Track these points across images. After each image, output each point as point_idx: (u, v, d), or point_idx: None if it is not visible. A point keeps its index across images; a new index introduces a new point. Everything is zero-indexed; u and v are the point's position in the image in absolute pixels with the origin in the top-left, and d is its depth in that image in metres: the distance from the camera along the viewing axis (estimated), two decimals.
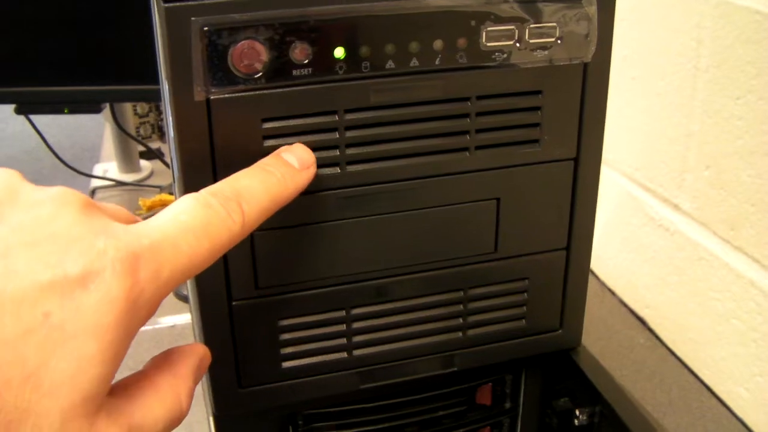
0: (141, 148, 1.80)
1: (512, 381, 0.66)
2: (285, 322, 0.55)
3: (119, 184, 1.74)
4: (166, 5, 0.45)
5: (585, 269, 0.61)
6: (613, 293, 1.31)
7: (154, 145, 1.83)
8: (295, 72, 0.48)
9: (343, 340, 0.57)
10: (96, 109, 1.54)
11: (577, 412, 0.62)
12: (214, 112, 0.48)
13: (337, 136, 0.51)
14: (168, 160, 1.72)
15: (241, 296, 0.53)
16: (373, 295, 0.56)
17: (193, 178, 0.49)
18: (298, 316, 0.55)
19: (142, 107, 1.86)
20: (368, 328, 0.57)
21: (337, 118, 0.50)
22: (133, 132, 1.76)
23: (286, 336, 0.56)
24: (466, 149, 0.54)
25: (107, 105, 1.61)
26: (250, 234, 0.49)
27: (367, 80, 0.50)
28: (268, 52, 0.47)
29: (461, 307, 0.59)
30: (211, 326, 0.54)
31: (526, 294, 0.60)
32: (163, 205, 1.60)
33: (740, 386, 1.05)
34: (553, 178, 0.57)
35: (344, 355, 0.57)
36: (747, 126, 0.98)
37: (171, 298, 1.42)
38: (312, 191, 0.51)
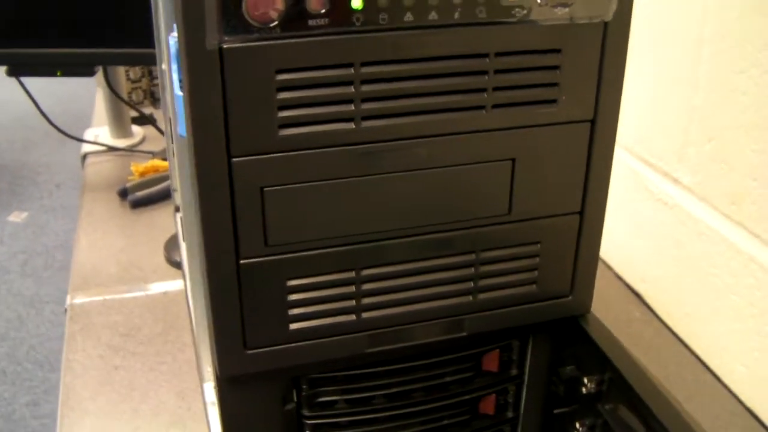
0: (133, 114, 1.79)
1: (519, 347, 0.65)
2: (293, 283, 0.54)
3: (111, 149, 1.73)
4: None
5: (598, 235, 0.60)
6: (609, 267, 1.31)
7: (146, 111, 1.82)
8: (311, 22, 0.47)
9: (352, 302, 0.56)
10: (89, 73, 1.53)
11: (585, 380, 0.61)
12: (226, 62, 0.46)
13: (353, 90, 0.49)
14: (161, 125, 1.70)
15: (249, 254, 0.52)
16: (383, 256, 0.55)
17: (204, 132, 0.48)
18: (306, 277, 0.54)
19: (134, 72, 1.84)
20: (377, 290, 0.56)
21: (353, 71, 0.49)
22: (125, 98, 1.74)
23: (294, 297, 0.54)
24: (483, 107, 0.52)
25: (100, 69, 1.60)
26: (260, 189, 0.48)
27: (384, 33, 0.48)
28: (284, 0, 0.46)
29: (472, 270, 0.57)
30: (218, 286, 0.52)
31: (537, 258, 0.59)
32: (156, 171, 1.59)
33: (737, 362, 1.04)
34: (570, 139, 0.56)
35: (352, 317, 0.56)
36: (751, 100, 0.97)
37: (163, 264, 1.41)
38: (325, 146, 0.50)
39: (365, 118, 0.50)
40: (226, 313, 0.53)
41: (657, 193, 1.18)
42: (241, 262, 0.52)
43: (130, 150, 1.72)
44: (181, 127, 0.61)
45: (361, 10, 0.47)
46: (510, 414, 0.67)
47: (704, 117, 1.06)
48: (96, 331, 1.26)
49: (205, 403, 1.08)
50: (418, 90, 0.50)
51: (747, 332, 1.02)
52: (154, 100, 1.92)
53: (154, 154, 1.67)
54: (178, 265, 1.39)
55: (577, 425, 0.62)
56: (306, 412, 0.61)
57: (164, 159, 1.62)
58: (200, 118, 0.47)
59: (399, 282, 0.56)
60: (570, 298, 0.61)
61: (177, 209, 1.42)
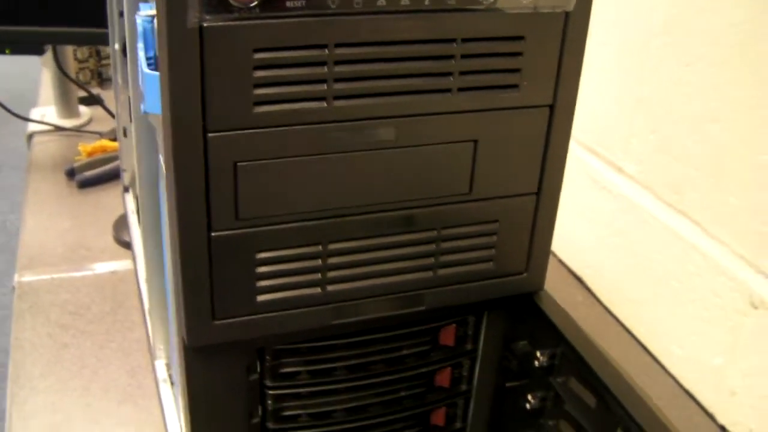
0: (80, 94, 1.78)
1: (474, 323, 0.67)
2: (262, 255, 0.56)
3: (58, 129, 1.71)
4: None
5: (553, 215, 0.63)
6: (553, 253, 1.34)
7: (94, 91, 1.81)
8: (288, 3, 0.48)
9: (318, 276, 0.58)
10: (39, 51, 1.52)
11: (538, 354, 0.64)
12: (206, 40, 0.48)
13: (326, 70, 0.51)
14: (110, 106, 1.70)
15: (221, 227, 0.54)
16: (349, 231, 0.57)
17: (181, 108, 0.49)
18: (275, 250, 0.56)
19: (81, 52, 1.83)
20: (343, 264, 0.58)
21: (327, 52, 0.51)
22: (72, 78, 1.73)
23: (262, 269, 0.56)
24: (449, 90, 0.55)
25: (49, 48, 1.59)
26: (233, 164, 0.50)
27: (358, 16, 0.50)
28: None
29: (433, 246, 0.60)
30: (189, 257, 0.54)
31: (495, 236, 0.61)
32: (104, 151, 1.58)
33: (674, 344, 1.08)
34: (530, 123, 0.58)
35: (318, 290, 0.58)
36: (696, 92, 1.01)
37: (111, 244, 1.41)
38: (298, 123, 0.52)
39: (337, 97, 0.52)
40: (196, 284, 0.55)
41: (602, 181, 1.21)
42: (213, 234, 0.54)
43: (78, 130, 1.72)
44: (149, 104, 0.62)
45: None
46: (464, 387, 0.70)
47: (649, 108, 1.10)
48: (45, 309, 1.26)
49: (156, 380, 1.09)
50: (388, 72, 0.53)
51: (686, 316, 1.06)
52: (102, 80, 1.91)
53: (102, 135, 1.66)
54: (126, 245, 1.39)
55: (529, 397, 0.65)
56: (269, 383, 0.63)
57: (112, 140, 1.62)
58: (178, 95, 0.49)
59: (363, 256, 0.58)
60: (525, 275, 0.64)
61: (126, 189, 1.42)
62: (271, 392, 0.64)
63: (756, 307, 0.95)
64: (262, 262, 0.56)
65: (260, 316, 0.58)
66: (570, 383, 0.62)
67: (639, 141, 1.12)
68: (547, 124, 0.59)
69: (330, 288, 0.58)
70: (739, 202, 0.96)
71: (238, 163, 0.52)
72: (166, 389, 1.05)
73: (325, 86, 0.52)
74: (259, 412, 0.65)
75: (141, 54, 0.64)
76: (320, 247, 0.57)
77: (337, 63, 0.51)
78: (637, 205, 1.14)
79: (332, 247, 0.57)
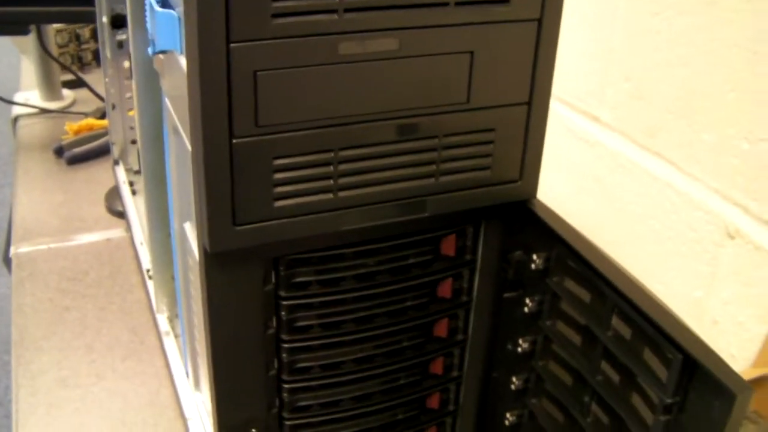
0: (63, 78, 1.80)
1: (473, 233, 0.72)
2: (279, 162, 0.60)
3: (43, 111, 1.74)
4: None
5: (543, 124, 0.67)
6: None
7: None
8: None
9: (330, 182, 0.62)
10: (24, 31, 1.55)
11: (534, 257, 0.68)
12: None
13: None
14: (95, 88, 1.73)
15: (241, 134, 0.58)
16: (359, 139, 0.62)
17: (207, 19, 0.53)
18: (291, 156, 0.60)
19: (61, 37, 1.86)
20: (352, 171, 0.63)
21: None
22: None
23: (279, 176, 0.61)
24: (446, 4, 0.60)
25: (32, 30, 1.61)
26: (253, 73, 0.55)
27: None
28: None
29: (435, 153, 0.65)
30: (212, 165, 0.58)
31: (492, 145, 0.66)
32: (90, 129, 1.62)
33: (656, 281, 1.13)
34: (520, 36, 0.63)
35: (330, 196, 0.63)
36: (665, 39, 1.06)
37: (104, 214, 1.44)
38: (312, 35, 0.56)
39: (347, 10, 0.57)
40: (218, 190, 0.59)
41: (579, 132, 1.27)
42: (234, 141, 0.58)
43: (63, 111, 1.75)
44: (161, 42, 0.67)
45: None
46: (465, 298, 0.74)
47: (622, 58, 1.15)
48: (43, 276, 1.29)
49: (159, 335, 1.13)
50: None
51: (665, 254, 1.11)
52: (82, 65, 1.94)
53: (87, 115, 1.69)
54: (119, 215, 1.42)
55: (527, 301, 0.70)
56: (283, 293, 0.67)
57: (99, 118, 1.65)
58: (204, 6, 0.53)
59: (371, 163, 0.63)
60: (519, 183, 0.69)
61: (116, 162, 1.46)
62: (284, 302, 0.68)
63: (732, 237, 1.01)
64: (279, 168, 0.60)
65: (277, 221, 0.62)
66: (565, 282, 0.66)
67: (613, 90, 1.18)
68: (535, 38, 0.64)
69: (341, 194, 0.63)
70: (711, 138, 1.02)
71: (258, 72, 0.56)
72: (169, 341, 1.09)
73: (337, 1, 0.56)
74: (274, 323, 0.69)
75: None
76: (331, 154, 0.61)
77: None
78: (613, 152, 1.19)
79: (342, 154, 0.62)
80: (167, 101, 0.77)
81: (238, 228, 0.61)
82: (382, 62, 0.60)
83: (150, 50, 0.72)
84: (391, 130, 0.62)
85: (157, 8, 0.65)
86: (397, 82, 0.61)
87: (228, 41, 0.55)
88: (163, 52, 0.69)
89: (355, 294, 0.69)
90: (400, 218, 0.66)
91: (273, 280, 0.67)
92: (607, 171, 1.21)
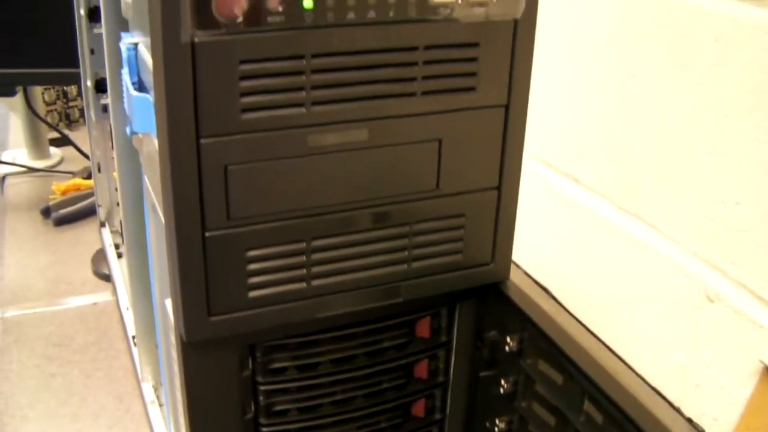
0: (50, 137, 1.81)
1: (447, 315, 0.73)
2: (252, 253, 0.61)
3: (30, 170, 1.75)
4: None
5: (513, 207, 0.68)
6: (517, 265, 1.39)
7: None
8: (269, 19, 0.54)
9: (303, 271, 0.63)
10: (10, 93, 1.56)
11: (508, 339, 0.69)
12: (197, 54, 0.53)
13: (304, 78, 0.57)
14: (81, 146, 1.73)
15: (214, 227, 0.59)
16: (330, 228, 0.62)
17: (176, 116, 0.54)
18: (264, 247, 0.61)
19: (49, 95, 1.87)
20: (325, 259, 0.63)
21: (304, 62, 0.56)
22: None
23: (253, 266, 0.61)
24: (413, 94, 0.60)
25: (20, 90, 1.63)
26: (224, 167, 0.55)
27: (331, 29, 0.56)
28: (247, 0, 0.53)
29: (406, 240, 0.65)
30: (185, 257, 0.59)
31: (462, 230, 0.67)
32: (77, 189, 1.62)
33: (637, 343, 1.13)
34: (488, 122, 0.64)
35: (304, 285, 0.63)
36: (641, 101, 1.07)
37: (91, 277, 1.45)
38: (281, 128, 0.57)
39: (315, 103, 0.58)
40: (192, 282, 0.60)
41: (560, 193, 1.27)
42: (207, 234, 0.59)
43: (50, 171, 1.75)
44: (137, 125, 0.67)
45: (312, 9, 0.55)
46: (441, 378, 0.75)
47: (599, 120, 1.16)
48: (30, 342, 1.29)
49: (144, 403, 1.13)
50: (359, 79, 0.58)
51: (646, 315, 1.11)
52: (70, 122, 1.95)
53: (74, 174, 1.70)
54: (106, 278, 1.43)
55: (502, 382, 0.70)
56: (260, 379, 0.68)
57: (85, 178, 1.66)
58: (173, 106, 0.54)
59: (343, 252, 0.64)
60: (491, 265, 0.69)
61: (102, 224, 1.46)
62: (262, 388, 0.68)
63: (712, 301, 1.01)
64: (253, 259, 0.61)
65: (252, 311, 0.63)
66: (539, 365, 0.67)
67: (592, 151, 1.18)
68: (503, 123, 0.65)
69: (314, 282, 0.63)
70: (689, 200, 1.02)
71: (229, 167, 0.57)
72: (154, 411, 1.09)
73: (303, 93, 0.57)
74: (252, 407, 0.69)
75: (126, 79, 0.69)
76: (304, 244, 0.62)
77: (314, 72, 0.57)
78: (594, 213, 1.19)
79: (315, 243, 0.62)
80: (146, 178, 0.78)
81: (214, 318, 0.62)
82: (352, 152, 0.60)
83: (128, 130, 0.73)
84: (362, 218, 0.63)
85: (133, 92, 0.66)
86: (367, 171, 0.62)
87: (198, 137, 0.56)
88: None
89: (333, 378, 0.70)
90: (375, 304, 0.66)
91: (250, 366, 0.67)
92: (589, 232, 1.21)
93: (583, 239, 1.23)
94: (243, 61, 0.55)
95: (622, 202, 1.14)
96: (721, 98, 0.95)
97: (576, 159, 1.22)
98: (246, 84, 0.55)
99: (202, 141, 0.56)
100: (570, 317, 1.26)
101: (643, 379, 1.13)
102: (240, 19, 0.53)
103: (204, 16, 0.52)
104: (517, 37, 0.62)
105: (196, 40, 0.53)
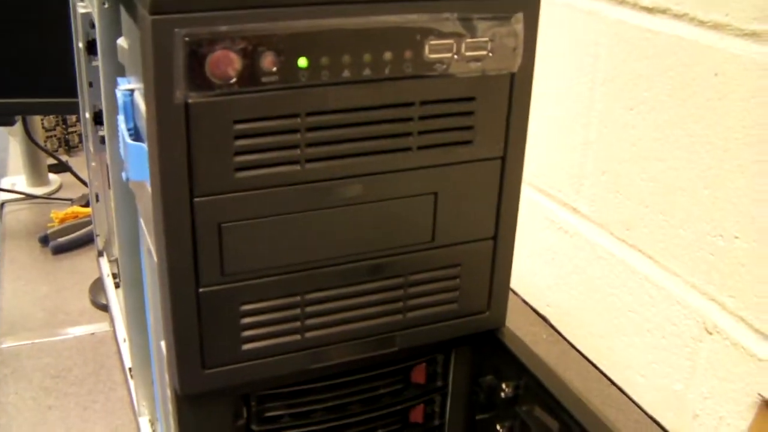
0: (49, 162, 1.81)
1: (443, 361, 0.73)
2: (246, 307, 0.61)
3: (29, 197, 1.75)
4: (153, 17, 0.50)
5: (509, 256, 0.68)
6: (516, 293, 1.40)
7: (62, 158, 1.85)
8: (264, 79, 0.54)
9: (297, 324, 0.63)
10: (9, 122, 1.56)
11: (503, 386, 0.69)
12: (191, 114, 0.53)
13: (299, 136, 0.57)
14: (80, 172, 1.74)
15: (208, 283, 0.59)
16: (324, 282, 0.62)
17: (170, 175, 0.54)
18: (258, 302, 0.61)
19: (48, 121, 1.87)
20: (320, 312, 0.63)
21: (299, 121, 0.56)
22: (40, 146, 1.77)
23: (246, 320, 0.61)
24: (409, 149, 0.61)
25: (18, 119, 1.63)
26: (218, 225, 0.55)
27: (326, 87, 0.56)
28: (241, 60, 0.53)
29: (401, 291, 0.65)
30: (179, 312, 0.59)
31: (458, 279, 0.67)
32: (76, 217, 1.62)
33: (636, 373, 1.14)
34: (484, 174, 0.64)
35: (298, 337, 0.63)
36: (640, 134, 1.07)
37: (89, 307, 1.44)
38: (275, 185, 0.57)
39: (309, 161, 0.58)
40: (186, 336, 0.60)
41: (558, 222, 1.27)
42: (201, 290, 0.59)
43: (49, 198, 1.75)
44: (133, 172, 0.67)
45: (307, 68, 0.55)
46: (437, 422, 0.75)
47: (598, 151, 1.16)
48: (27, 374, 1.28)
49: None
50: (354, 136, 0.58)
51: (645, 346, 1.12)
52: (69, 148, 1.95)
53: (73, 201, 1.70)
54: (104, 308, 1.42)
55: (498, 427, 0.70)
56: (255, 428, 0.68)
57: (84, 205, 1.66)
58: (167, 165, 0.54)
59: (337, 304, 0.64)
60: (487, 313, 0.69)
61: (100, 253, 1.46)
62: None
63: (710, 333, 1.01)
64: (246, 313, 0.61)
65: (246, 363, 0.63)
66: (534, 411, 0.67)
67: (591, 182, 1.19)
68: (499, 175, 0.65)
69: (308, 334, 0.63)
70: (686, 233, 1.02)
71: (222, 224, 0.57)
72: None
73: (298, 151, 0.57)
74: None
75: (122, 126, 0.69)
76: (298, 298, 0.62)
77: (309, 130, 0.57)
78: (592, 243, 1.20)
79: (309, 296, 0.62)
80: (142, 222, 0.78)
81: (208, 371, 0.62)
82: (346, 208, 0.60)
83: (124, 176, 0.73)
84: (356, 272, 0.63)
85: (129, 140, 0.66)
86: (362, 225, 0.62)
87: (192, 196, 0.56)
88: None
89: (327, 425, 0.70)
90: (369, 354, 0.66)
91: (245, 415, 0.67)
92: (587, 262, 1.22)
93: (583, 268, 1.23)
94: (237, 121, 0.55)
95: (619, 233, 1.14)
96: (719, 132, 0.95)
97: (574, 189, 1.23)
98: (240, 143, 0.55)
99: (196, 200, 0.56)
100: (569, 346, 1.26)
101: (641, 408, 1.13)
102: (234, 80, 0.53)
103: (198, 78, 0.52)
104: (513, 90, 0.62)
105: (190, 101, 0.53)
